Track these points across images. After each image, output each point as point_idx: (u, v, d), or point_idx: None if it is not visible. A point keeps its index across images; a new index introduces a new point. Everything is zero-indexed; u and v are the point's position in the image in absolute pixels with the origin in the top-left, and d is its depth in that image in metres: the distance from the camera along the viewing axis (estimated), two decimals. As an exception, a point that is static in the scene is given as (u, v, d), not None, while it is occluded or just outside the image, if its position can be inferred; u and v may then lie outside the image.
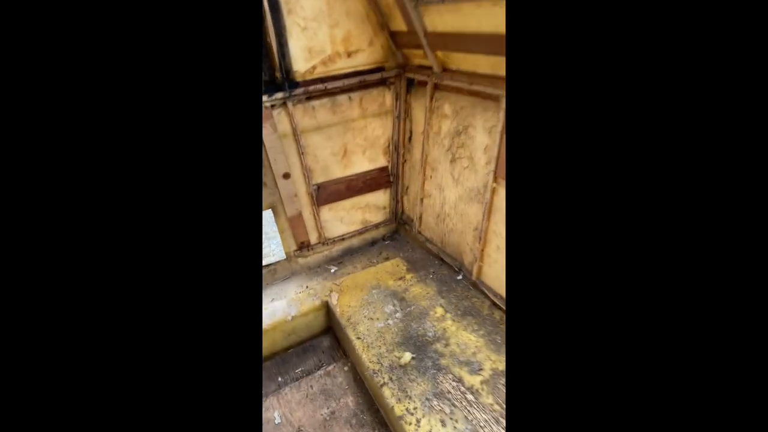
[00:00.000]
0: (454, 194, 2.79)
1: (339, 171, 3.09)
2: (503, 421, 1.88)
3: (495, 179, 2.39)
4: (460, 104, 2.54)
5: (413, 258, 3.16)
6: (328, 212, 3.23)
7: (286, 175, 2.88)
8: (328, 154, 2.98)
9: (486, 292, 2.61)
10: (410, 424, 1.92)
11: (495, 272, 2.56)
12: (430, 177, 3.01)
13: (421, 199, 3.18)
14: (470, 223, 2.68)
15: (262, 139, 2.68)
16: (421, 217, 3.25)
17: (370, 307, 2.66)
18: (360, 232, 3.44)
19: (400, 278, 2.90)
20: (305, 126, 2.79)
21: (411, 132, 3.16)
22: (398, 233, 3.59)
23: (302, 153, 2.85)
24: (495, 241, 2.50)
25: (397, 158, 3.28)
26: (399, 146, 3.22)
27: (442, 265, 2.99)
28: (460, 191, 2.72)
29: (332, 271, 3.21)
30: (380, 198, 3.43)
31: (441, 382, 2.11)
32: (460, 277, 2.82)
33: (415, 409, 1.98)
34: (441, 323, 2.47)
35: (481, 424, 1.87)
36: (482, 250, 2.59)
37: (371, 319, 2.56)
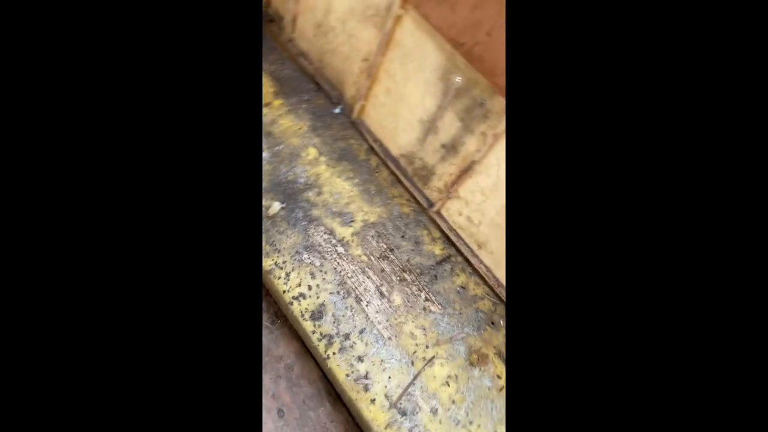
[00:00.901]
0: (345, 3, 2.10)
1: None
2: (369, 272, 2.04)
3: (404, 4, 1.83)
4: None
5: (282, 75, 2.55)
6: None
7: None
8: None
9: (365, 134, 2.39)
10: (279, 278, 1.91)
11: (379, 116, 2.29)
12: (314, -36, 2.15)
13: (298, -6, 2.34)
14: (360, 50, 2.16)
15: None
16: (295, 20, 2.47)
17: (229, 141, 2.18)
18: (207, 24, 2.49)
19: (266, 104, 2.37)
20: None
21: None
22: (262, 33, 2.74)
23: None
24: (386, 83, 2.13)
25: None
26: None
27: (318, 92, 2.52)
28: (353, 1, 2.05)
29: (169, 78, 2.39)
30: (236, -26, 2.38)
31: (312, 234, 2.06)
32: (338, 110, 2.46)
33: (284, 263, 1.95)
34: (314, 168, 2.25)
35: (349, 275, 2.00)
36: (369, 89, 2.21)
37: (231, 157, 2.14)
